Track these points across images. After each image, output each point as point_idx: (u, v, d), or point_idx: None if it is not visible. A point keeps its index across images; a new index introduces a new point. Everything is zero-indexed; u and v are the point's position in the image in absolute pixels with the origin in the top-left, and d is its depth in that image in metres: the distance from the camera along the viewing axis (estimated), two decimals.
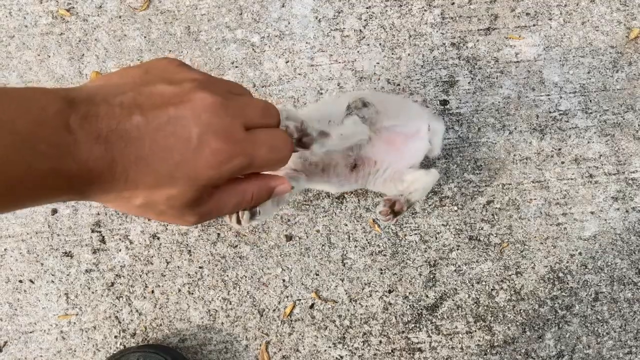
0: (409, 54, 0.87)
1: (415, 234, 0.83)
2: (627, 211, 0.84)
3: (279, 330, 0.81)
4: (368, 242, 0.82)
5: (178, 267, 0.81)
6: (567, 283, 0.82)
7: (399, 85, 0.87)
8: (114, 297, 0.80)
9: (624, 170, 0.85)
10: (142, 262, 0.81)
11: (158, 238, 0.81)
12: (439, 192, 0.83)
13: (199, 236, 0.81)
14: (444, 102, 0.86)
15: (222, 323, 0.80)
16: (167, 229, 0.81)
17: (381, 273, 0.82)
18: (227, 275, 0.81)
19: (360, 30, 0.88)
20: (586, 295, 0.82)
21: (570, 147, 0.86)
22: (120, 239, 0.81)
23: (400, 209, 0.62)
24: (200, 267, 0.81)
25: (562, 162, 0.85)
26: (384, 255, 0.82)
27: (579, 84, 0.88)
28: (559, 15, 0.89)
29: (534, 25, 0.89)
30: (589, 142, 0.86)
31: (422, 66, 0.88)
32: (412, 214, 0.83)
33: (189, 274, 0.81)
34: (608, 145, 0.86)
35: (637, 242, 0.83)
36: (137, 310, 0.80)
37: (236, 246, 0.81)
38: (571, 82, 0.88)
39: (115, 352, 0.76)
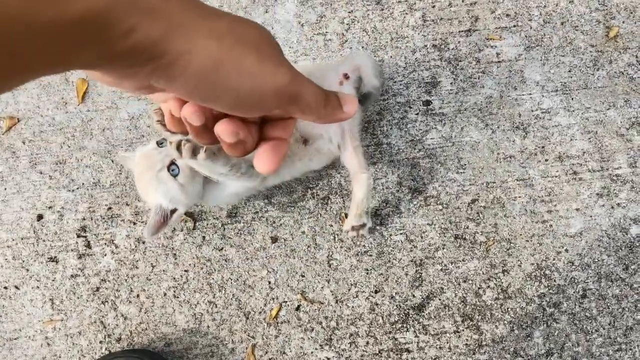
0: (391, 56, 0.97)
1: (401, 233, 0.91)
2: (612, 207, 0.92)
3: (265, 332, 0.88)
4: (354, 243, 0.90)
5: (163, 270, 0.89)
6: (554, 280, 0.90)
7: (381, 87, 0.96)
8: (99, 302, 0.88)
9: (607, 166, 0.94)
10: (127, 267, 0.89)
11: (143, 242, 0.89)
12: (424, 191, 0.92)
13: (185, 240, 0.90)
14: (427, 103, 0.96)
15: (208, 326, 0.88)
16: None
17: (367, 273, 0.90)
18: (213, 278, 0.89)
19: (343, 33, 0.98)
20: (574, 292, 0.90)
21: (554, 144, 0.95)
22: (105, 244, 0.89)
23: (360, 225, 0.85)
24: (185, 271, 0.89)
25: (546, 160, 0.94)
26: (370, 255, 0.90)
27: (560, 82, 0.97)
28: (538, 16, 1.00)
29: (514, 26, 0.99)
30: (572, 140, 0.95)
31: (404, 68, 0.97)
32: (397, 214, 0.91)
33: (174, 278, 0.89)
34: (591, 142, 0.95)
35: (624, 239, 0.91)
36: (122, 315, 0.88)
37: (221, 248, 0.89)
38: (552, 80, 0.97)
39: (99, 358, 0.83)
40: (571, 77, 1.00)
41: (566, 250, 0.94)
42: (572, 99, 0.99)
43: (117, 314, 0.91)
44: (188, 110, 0.27)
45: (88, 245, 0.92)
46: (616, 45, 1.02)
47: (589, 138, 0.98)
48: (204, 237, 0.93)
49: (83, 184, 0.94)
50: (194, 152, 0.62)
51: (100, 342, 0.90)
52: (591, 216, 0.95)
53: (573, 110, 0.99)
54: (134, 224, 0.93)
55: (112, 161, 0.95)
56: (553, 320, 0.92)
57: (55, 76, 0.97)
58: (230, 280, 0.92)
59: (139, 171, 0.71)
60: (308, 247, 0.93)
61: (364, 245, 0.93)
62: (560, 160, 0.97)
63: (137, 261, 0.92)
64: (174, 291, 0.92)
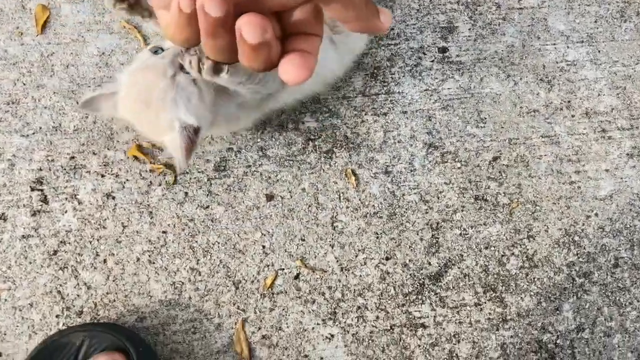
0: None
1: (415, 193, 0.80)
2: None
3: (258, 305, 0.76)
4: (361, 202, 0.79)
5: (137, 231, 0.76)
6: (584, 248, 0.82)
7: (392, 29, 0.86)
8: (56, 267, 0.74)
9: (638, 125, 0.87)
10: (92, 226, 0.75)
11: (113, 197, 0.76)
12: (440, 146, 0.82)
13: (163, 196, 0.77)
14: (443, 50, 0.86)
15: (190, 298, 0.75)
16: (124, 187, 0.76)
17: (377, 238, 0.79)
18: (196, 241, 0.76)
19: None
20: (605, 261, 0.82)
21: (580, 99, 0.87)
22: (66, 199, 0.76)
23: None
24: (163, 232, 0.76)
25: (573, 116, 0.86)
26: (380, 217, 0.79)
27: (586, 33, 0.90)
28: None
29: None
30: (599, 95, 0.87)
31: (417, 10, 0.88)
32: (411, 171, 0.81)
33: (149, 240, 0.75)
34: (620, 99, 0.87)
35: None
36: (85, 284, 0.74)
37: (207, 207, 0.77)
38: (578, 31, 0.89)
39: (53, 334, 0.69)
40: (597, 28, 0.93)
41: (596, 215, 0.85)
42: (599, 51, 0.92)
43: (78, 283, 0.76)
44: None
45: (45, 200, 0.78)
46: None
47: (617, 94, 0.90)
48: (186, 194, 0.80)
49: (40, 128, 0.80)
50: (216, 71, 0.49)
51: (57, 315, 0.75)
52: (622, 178, 0.87)
53: (600, 64, 0.91)
54: (102, 176, 0.79)
55: (77, 102, 0.81)
56: (583, 291, 0.83)
57: (9, 0, 0.83)
58: (217, 243, 0.79)
59: (140, 91, 0.57)
60: (309, 206, 0.81)
61: (373, 206, 0.82)
62: (587, 116, 0.89)
63: (105, 220, 0.78)
64: (149, 256, 0.78)
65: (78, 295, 0.76)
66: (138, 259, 0.78)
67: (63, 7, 0.85)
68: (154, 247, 0.78)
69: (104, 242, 0.78)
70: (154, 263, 0.78)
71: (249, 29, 0.24)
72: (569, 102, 0.89)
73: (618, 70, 0.92)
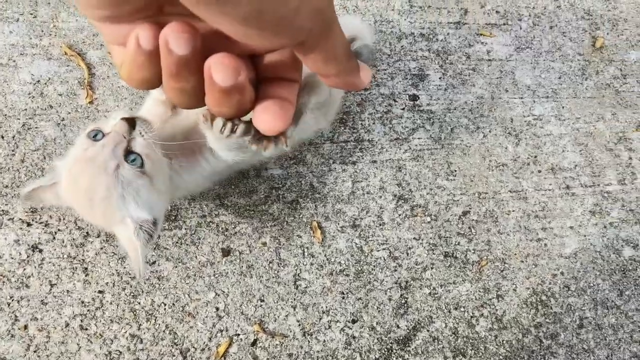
0: (374, 41, 0.84)
1: (384, 249, 0.76)
2: (605, 227, 0.85)
3: None
4: (327, 259, 0.73)
5: (68, 291, 0.65)
6: (551, 307, 0.80)
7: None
8: None
9: (599, 182, 0.88)
10: (12, 285, 0.64)
11: (40, 250, 0.65)
12: (410, 199, 0.78)
13: (101, 249, 0.67)
14: (414, 97, 0.84)
15: None
16: (54, 238, 0.66)
17: (343, 298, 0.73)
18: (139, 303, 0.67)
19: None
20: (571, 321, 0.80)
21: (546, 155, 0.87)
22: None
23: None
24: (100, 292, 0.66)
25: (539, 171, 0.85)
26: (347, 275, 0.74)
27: (550, 88, 0.91)
28: (527, 17, 0.94)
29: (504, 24, 0.92)
30: (564, 151, 0.88)
31: (389, 55, 0.85)
32: (380, 225, 0.76)
33: (82, 302, 0.65)
34: (582, 155, 0.88)
35: (617, 261, 0.84)
36: None
37: (153, 262, 0.68)
38: (543, 86, 0.90)
39: None
40: (561, 85, 0.94)
41: (562, 273, 0.84)
42: (563, 107, 0.93)
43: None
44: (174, 29, 0.20)
45: None
46: (602, 56, 0.98)
47: (580, 150, 0.91)
48: None
49: None
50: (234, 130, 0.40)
51: None
52: (585, 235, 0.87)
53: (564, 120, 0.92)
54: (28, 225, 0.68)
55: (2, 137, 0.70)
56: (551, 354, 0.81)
57: None
58: (163, 305, 0.70)
59: (80, 189, 0.48)
60: (270, 263, 0.74)
61: (339, 262, 0.76)
62: (553, 172, 0.89)
63: (29, 277, 0.67)
64: (82, 320, 0.67)
65: None
66: (67, 325, 0.67)
67: None
68: (88, 310, 0.68)
69: (26, 304, 0.66)
70: (86, 329, 0.67)
71: (220, 70, 0.21)
72: (535, 157, 0.89)
73: (580, 127, 0.93)
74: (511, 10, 0.96)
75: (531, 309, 0.82)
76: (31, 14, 0.76)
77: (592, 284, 0.86)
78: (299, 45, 0.22)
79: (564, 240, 0.86)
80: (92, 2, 0.20)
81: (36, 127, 0.71)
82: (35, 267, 0.67)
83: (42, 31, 0.75)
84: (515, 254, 0.83)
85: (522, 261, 0.83)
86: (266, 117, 0.25)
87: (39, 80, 0.73)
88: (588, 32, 0.99)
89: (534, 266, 0.84)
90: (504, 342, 0.80)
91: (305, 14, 0.20)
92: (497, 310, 0.81)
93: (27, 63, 0.73)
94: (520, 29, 0.96)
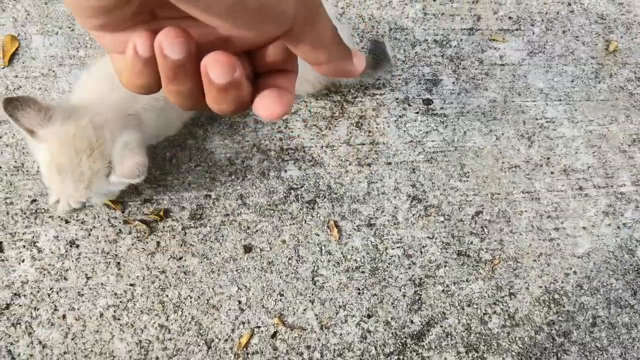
0: (389, 48, 0.88)
1: (398, 247, 0.79)
2: (618, 227, 0.87)
3: None
4: (343, 256, 0.77)
5: (102, 284, 0.71)
6: (564, 306, 0.82)
7: (379, 79, 0.86)
8: (8, 323, 0.68)
9: (612, 183, 0.89)
10: (52, 277, 0.70)
11: (77, 246, 0.71)
12: (424, 199, 0.82)
13: (133, 245, 0.72)
14: (428, 102, 0.87)
15: (157, 358, 0.70)
16: (90, 234, 0.71)
17: (359, 294, 0.76)
18: (167, 296, 0.72)
19: (337, 18, 0.87)
20: (583, 320, 0.82)
21: (559, 156, 0.89)
22: (24, 246, 0.70)
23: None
24: (131, 285, 0.71)
25: (552, 173, 0.88)
26: (362, 272, 0.77)
27: (563, 92, 0.93)
28: (540, 22, 0.96)
29: (517, 29, 0.94)
30: (576, 153, 0.90)
31: (403, 62, 0.89)
32: (394, 224, 0.80)
33: (115, 294, 0.70)
34: (595, 157, 0.90)
35: (631, 261, 0.85)
36: (40, 342, 0.68)
37: (180, 258, 0.73)
38: (556, 89, 0.93)
39: None
40: (574, 88, 0.96)
41: (574, 272, 0.86)
42: (576, 110, 0.95)
43: (32, 341, 0.70)
44: (168, 35, 0.21)
45: (0, 248, 0.71)
46: (615, 59, 1.00)
47: (593, 152, 0.93)
48: (158, 243, 0.75)
49: (0, 167, 0.74)
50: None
51: None
52: (598, 236, 0.89)
53: (577, 122, 0.94)
54: (66, 222, 0.74)
55: None
56: (563, 351, 0.83)
57: None
58: (189, 298, 0.75)
59: None
60: (289, 259, 0.78)
61: (355, 260, 0.80)
62: (565, 173, 0.91)
63: (67, 270, 0.72)
64: (115, 311, 0.72)
65: (31, 356, 0.69)
66: (101, 315, 0.72)
67: (34, 38, 0.80)
68: (120, 302, 0.73)
69: (64, 295, 0.72)
70: (119, 319, 0.72)
71: (216, 68, 0.22)
72: (548, 159, 0.91)
73: (593, 129, 0.95)
74: (524, 16, 0.99)
75: (544, 307, 0.84)
76: (69, 27, 0.82)
77: (605, 284, 0.87)
78: (286, 34, 0.23)
79: (577, 240, 0.88)
80: (85, 11, 0.21)
81: None
82: (72, 261, 0.73)
83: (79, 43, 0.81)
84: (528, 253, 0.86)
85: (535, 260, 0.86)
86: (266, 102, 0.25)
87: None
88: (601, 36, 1.01)
89: (546, 265, 0.86)
90: (517, 338, 0.82)
91: (288, 0, 0.21)
92: (509, 307, 0.83)
93: (65, 73, 0.79)
94: (533, 34, 0.98)
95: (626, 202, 0.91)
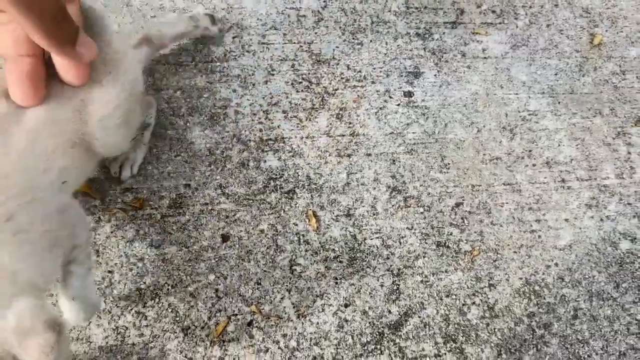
0: (371, 41, 0.89)
1: (377, 237, 0.79)
2: (601, 220, 0.86)
3: (207, 354, 0.72)
4: (322, 246, 0.78)
5: None
6: (544, 298, 0.82)
7: (360, 71, 0.87)
8: None
9: (595, 176, 0.89)
10: None
11: None
12: (403, 190, 0.82)
13: (112, 232, 0.73)
14: (409, 94, 0.88)
15: (133, 344, 0.71)
16: None
17: (336, 283, 0.77)
18: (144, 283, 0.72)
19: (319, 11, 0.89)
20: (565, 312, 0.82)
21: (541, 149, 0.89)
22: None
23: None
24: (109, 272, 0.72)
25: (534, 165, 0.88)
26: (340, 261, 0.78)
27: (547, 85, 0.93)
28: (524, 16, 0.96)
29: (500, 23, 0.95)
30: (559, 145, 0.90)
31: (385, 54, 0.89)
32: (373, 214, 0.80)
33: (94, 281, 0.71)
34: (579, 150, 0.90)
35: (614, 254, 0.85)
36: None
37: (159, 246, 0.74)
38: (539, 82, 0.93)
39: None
40: (557, 81, 0.96)
41: (556, 265, 0.86)
42: (559, 103, 0.95)
43: None
44: None
45: None
46: (600, 52, 1.00)
47: (577, 145, 0.93)
48: (137, 231, 0.76)
49: None
50: None
51: None
52: (580, 228, 0.88)
53: (560, 115, 0.94)
54: None
55: None
56: (543, 343, 0.83)
57: None
58: (166, 286, 0.75)
59: None
60: (267, 248, 0.79)
61: (333, 250, 0.81)
62: (548, 166, 0.91)
63: None
64: None
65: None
66: None
67: None
68: (98, 288, 0.74)
69: None
70: None
71: None
72: (530, 151, 0.91)
73: (577, 122, 0.95)
74: (507, 9, 0.99)
75: (524, 299, 0.84)
76: None
77: (587, 276, 0.87)
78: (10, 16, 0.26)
79: (559, 232, 0.88)
80: None
81: None
82: None
83: None
84: (508, 245, 0.86)
85: (515, 252, 0.86)
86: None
87: None
88: (586, 29, 1.01)
89: (527, 257, 0.86)
90: (496, 330, 0.82)
91: None
92: (489, 299, 0.83)
93: None
94: (517, 27, 0.99)
95: (610, 194, 0.91)
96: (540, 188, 0.89)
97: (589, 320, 0.85)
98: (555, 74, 0.97)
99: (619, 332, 0.85)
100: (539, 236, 0.87)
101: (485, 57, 0.95)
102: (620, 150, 0.94)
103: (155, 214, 0.78)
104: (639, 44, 1.02)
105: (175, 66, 0.86)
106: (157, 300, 0.75)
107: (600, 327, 0.84)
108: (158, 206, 0.78)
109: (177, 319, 0.75)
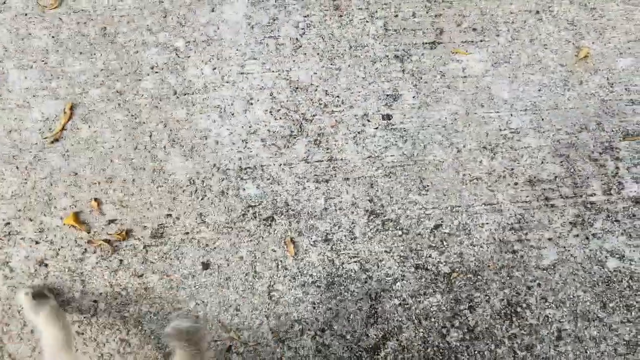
0: (349, 65, 0.90)
1: (355, 261, 0.81)
2: (587, 238, 0.85)
3: None
4: (299, 271, 0.79)
5: (67, 300, 0.75)
6: (526, 319, 0.81)
7: (338, 97, 0.89)
8: None
9: (581, 193, 0.88)
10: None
11: (46, 265, 0.76)
12: (381, 214, 0.83)
13: (97, 263, 0.77)
14: (387, 117, 0.89)
15: None
16: (58, 254, 0.76)
17: (314, 308, 0.79)
18: (128, 311, 0.76)
19: (297, 38, 0.90)
20: (548, 333, 0.81)
21: (524, 167, 0.88)
22: None
23: None
24: (94, 301, 0.76)
25: (516, 184, 0.87)
26: (318, 286, 0.79)
27: (529, 101, 0.92)
28: (506, 32, 0.96)
29: (481, 40, 0.95)
30: (543, 163, 0.89)
31: (363, 78, 0.90)
32: (351, 239, 0.82)
33: (80, 309, 0.75)
34: (563, 167, 0.89)
35: (600, 273, 0.84)
36: (9, 355, 0.73)
37: (142, 275, 0.77)
38: (521, 99, 0.92)
39: None
40: (541, 97, 0.95)
41: (538, 285, 0.85)
42: (542, 119, 0.94)
43: (2, 354, 0.75)
44: None
45: None
46: (586, 66, 0.98)
47: (561, 162, 0.92)
48: (121, 261, 0.80)
49: None
50: None
51: None
52: (565, 247, 0.87)
53: (543, 132, 0.93)
54: (37, 243, 0.80)
55: (17, 168, 0.82)
56: None
57: None
58: (149, 313, 0.79)
59: None
60: (246, 275, 0.82)
61: (311, 275, 0.82)
62: (531, 184, 0.90)
63: None
64: (79, 326, 0.77)
65: None
66: None
67: (11, 72, 0.87)
68: (84, 317, 0.78)
69: None
70: (82, 334, 0.77)
71: None
72: (512, 169, 0.91)
73: (561, 138, 0.94)
74: (488, 26, 0.99)
75: (505, 320, 0.84)
76: (42, 60, 0.88)
77: (572, 296, 0.86)
78: None
79: (542, 252, 0.87)
80: None
81: (45, 159, 0.83)
82: (41, 279, 0.78)
83: (52, 75, 0.88)
84: (489, 266, 0.86)
85: (496, 273, 0.85)
86: None
87: (47, 118, 0.85)
88: (571, 42, 1.00)
89: (508, 278, 0.85)
90: (476, 352, 0.82)
91: None
92: (469, 320, 0.83)
93: (39, 103, 0.86)
94: (498, 44, 0.98)
95: (596, 211, 0.90)
96: (522, 207, 0.89)
97: (574, 342, 0.84)
98: (539, 90, 0.96)
99: (606, 353, 0.83)
100: (521, 256, 0.86)
101: (465, 76, 0.95)
102: (607, 166, 0.92)
103: (138, 244, 0.81)
104: (629, 54, 1.00)
105: (157, 99, 0.89)
106: (140, 327, 0.78)
107: (586, 348, 0.83)
108: (141, 236, 0.81)
109: (159, 345, 0.78)
